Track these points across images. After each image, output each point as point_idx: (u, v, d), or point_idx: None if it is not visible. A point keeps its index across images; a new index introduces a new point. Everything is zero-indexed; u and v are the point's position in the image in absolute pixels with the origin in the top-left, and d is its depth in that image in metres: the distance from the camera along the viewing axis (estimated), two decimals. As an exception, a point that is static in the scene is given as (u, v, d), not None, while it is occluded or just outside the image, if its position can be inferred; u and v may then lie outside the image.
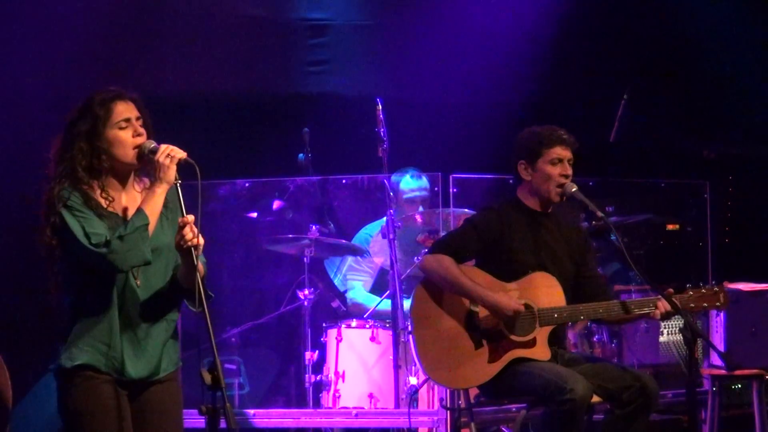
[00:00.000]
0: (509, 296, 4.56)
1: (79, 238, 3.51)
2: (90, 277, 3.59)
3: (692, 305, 4.54)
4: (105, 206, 3.62)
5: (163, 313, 3.70)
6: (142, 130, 3.65)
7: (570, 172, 4.67)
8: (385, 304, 5.96)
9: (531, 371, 4.50)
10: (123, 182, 3.70)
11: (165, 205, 3.69)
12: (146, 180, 3.72)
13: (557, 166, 4.65)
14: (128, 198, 3.70)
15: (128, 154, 3.64)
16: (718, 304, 4.58)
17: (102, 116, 3.61)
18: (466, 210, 5.90)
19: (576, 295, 4.70)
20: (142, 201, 3.62)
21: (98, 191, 3.63)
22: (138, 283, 3.63)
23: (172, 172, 3.58)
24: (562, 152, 4.66)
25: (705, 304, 4.56)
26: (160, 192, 3.60)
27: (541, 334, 4.60)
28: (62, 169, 3.62)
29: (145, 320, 3.65)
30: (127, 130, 3.63)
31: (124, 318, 3.61)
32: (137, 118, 3.66)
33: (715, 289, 4.58)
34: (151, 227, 3.59)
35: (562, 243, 4.76)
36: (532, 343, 4.58)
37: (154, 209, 3.60)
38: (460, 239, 4.71)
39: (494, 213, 4.75)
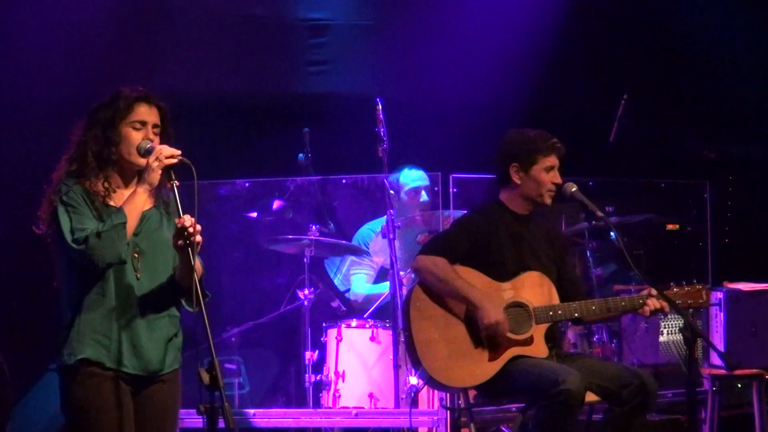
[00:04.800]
0: (498, 306, 4.57)
1: (65, 233, 3.56)
2: (85, 270, 3.60)
3: (678, 302, 4.57)
4: (105, 199, 3.65)
5: (164, 309, 3.72)
6: (153, 138, 3.70)
7: (560, 180, 4.74)
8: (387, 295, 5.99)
9: (524, 368, 4.52)
10: (127, 180, 3.74)
11: (166, 207, 3.77)
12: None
13: (550, 173, 4.71)
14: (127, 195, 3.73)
15: (132, 154, 3.68)
16: (701, 301, 4.62)
17: (121, 110, 3.67)
18: (467, 212, 5.90)
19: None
20: (124, 200, 3.64)
21: (102, 181, 3.68)
22: (138, 276, 3.66)
23: (156, 175, 3.62)
24: (555, 160, 4.73)
25: (689, 301, 4.60)
26: (141, 192, 3.63)
27: (538, 332, 4.62)
28: (74, 151, 3.69)
29: (145, 315, 3.67)
30: (139, 132, 3.69)
31: (123, 311, 3.63)
32: (155, 125, 3.71)
33: (698, 287, 4.62)
34: (131, 226, 3.60)
35: (544, 246, 4.81)
36: (529, 341, 4.61)
37: (134, 208, 3.62)
38: (450, 240, 4.74)
39: (481, 215, 4.81)
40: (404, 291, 5.68)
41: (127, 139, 3.67)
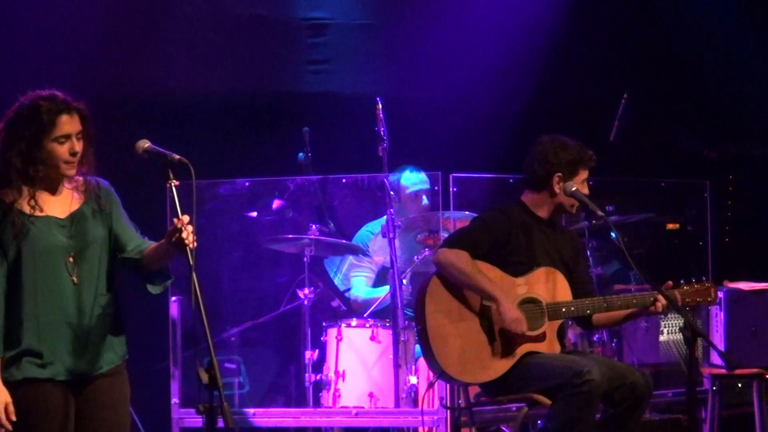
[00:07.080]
0: (515, 304, 4.60)
1: None
2: (7, 280, 3.63)
3: (687, 300, 4.63)
4: (29, 212, 3.65)
5: (100, 308, 3.71)
6: (78, 148, 3.68)
7: (588, 192, 4.79)
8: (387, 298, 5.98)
9: (545, 361, 4.57)
10: (53, 189, 3.74)
11: (98, 199, 3.76)
12: (79, 179, 3.76)
13: (583, 184, 4.75)
14: (58, 199, 3.74)
15: (59, 167, 3.68)
16: (709, 299, 4.70)
17: (46, 126, 3.64)
18: (466, 213, 5.89)
19: None
20: None
21: (26, 198, 3.67)
22: (75, 280, 3.67)
23: None
24: (587, 173, 4.79)
25: (698, 299, 4.68)
26: None
27: (551, 328, 4.67)
28: None
29: (82, 316, 3.67)
30: (64, 145, 3.66)
31: (57, 318, 3.64)
32: (78, 133, 3.69)
33: (707, 284, 4.69)
34: None
35: (557, 250, 4.83)
36: (542, 338, 4.65)
37: None
38: (473, 236, 4.74)
39: (502, 213, 4.81)
40: (403, 291, 5.70)
41: (54, 154, 3.66)
